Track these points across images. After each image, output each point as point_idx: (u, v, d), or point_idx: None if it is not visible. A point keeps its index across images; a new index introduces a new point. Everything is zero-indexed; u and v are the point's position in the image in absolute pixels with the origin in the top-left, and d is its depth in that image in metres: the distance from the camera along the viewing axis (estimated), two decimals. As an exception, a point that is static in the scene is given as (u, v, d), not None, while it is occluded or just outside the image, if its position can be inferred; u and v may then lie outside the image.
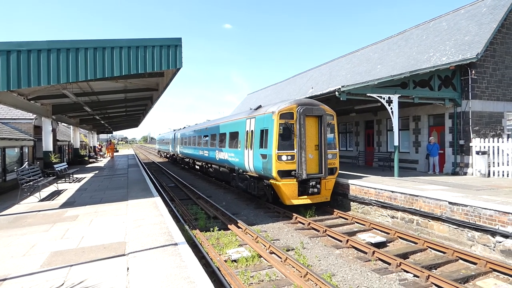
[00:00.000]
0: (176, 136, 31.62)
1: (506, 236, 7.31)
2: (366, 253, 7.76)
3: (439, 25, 18.89)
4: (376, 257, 7.47)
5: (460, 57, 14.48)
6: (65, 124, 29.61)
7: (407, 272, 6.68)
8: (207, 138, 19.80)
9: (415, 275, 6.49)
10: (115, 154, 46.25)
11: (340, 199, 12.64)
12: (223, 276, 6.24)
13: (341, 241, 8.66)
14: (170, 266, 4.63)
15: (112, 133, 62.18)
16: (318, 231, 9.58)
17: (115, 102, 19.26)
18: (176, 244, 5.63)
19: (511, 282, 6.29)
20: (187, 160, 27.60)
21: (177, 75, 10.72)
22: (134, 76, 11.44)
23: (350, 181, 12.19)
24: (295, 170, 10.92)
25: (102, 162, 28.98)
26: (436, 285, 6.06)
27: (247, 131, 13.09)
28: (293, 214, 11.02)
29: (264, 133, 11.63)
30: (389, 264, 7.07)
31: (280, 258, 7.32)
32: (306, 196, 11.19)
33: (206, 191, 16.72)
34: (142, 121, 36.86)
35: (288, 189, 10.93)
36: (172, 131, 36.49)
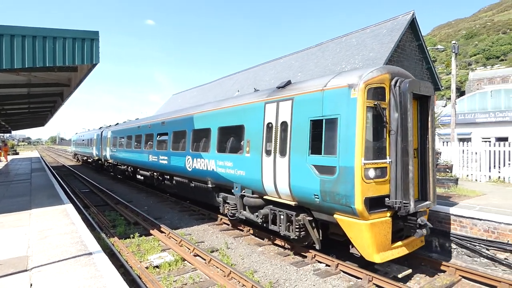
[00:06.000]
0: (105, 136, 24.78)
1: None
2: (286, 248, 8.30)
3: (350, 41, 21.20)
4: (295, 251, 8.06)
5: (366, 70, 16.44)
6: None
7: (320, 262, 7.37)
8: (165, 137, 13.89)
9: (327, 265, 7.21)
10: (16, 157, 40.47)
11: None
12: (144, 284, 6.01)
13: (263, 239, 9.07)
14: (83, 277, 4.30)
15: (10, 132, 53.64)
16: (243, 231, 9.86)
17: (15, 98, 16.71)
18: (90, 253, 5.23)
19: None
20: (123, 167, 20.78)
21: (94, 71, 9.91)
22: (40, 69, 10.18)
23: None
24: (388, 196, 6.27)
25: (-4, 167, 24.83)
26: (342, 271, 6.91)
27: (269, 123, 7.98)
28: (218, 215, 11.11)
29: (324, 127, 6.58)
30: (306, 257, 7.70)
31: (204, 260, 7.36)
32: (401, 243, 6.59)
33: (125, 196, 15.71)
34: (50, 120, 32.68)
35: (379, 232, 6.16)
36: (96, 130, 29.82)
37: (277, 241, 8.64)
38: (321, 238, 7.35)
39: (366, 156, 5.98)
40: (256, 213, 8.35)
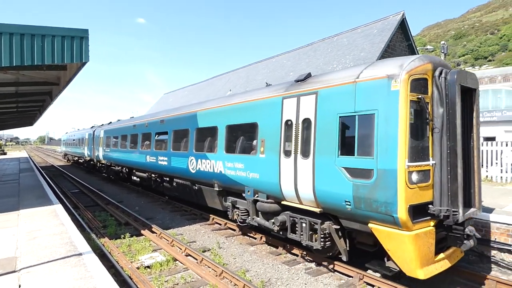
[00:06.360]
0: (98, 135, 23.46)
1: None
2: (278, 247, 8.34)
3: (341, 40, 21.35)
4: (286, 250, 8.10)
5: (357, 70, 16.60)
6: None
7: (312, 261, 7.43)
8: (164, 136, 12.96)
9: (318, 263, 7.27)
10: (3, 157, 39.76)
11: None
12: (135, 284, 5.98)
13: (255, 238, 9.10)
14: (73, 277, 4.26)
15: (-3, 132, 52.56)
16: (235, 230, 9.87)
17: (2, 96, 16.39)
18: (80, 254, 5.19)
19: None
20: (117, 168, 19.92)
21: (83, 69, 9.79)
22: (28, 67, 10.02)
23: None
24: (431, 202, 5.57)
25: (-17, 167, 24.34)
26: (333, 269, 6.96)
27: (288, 121, 7.16)
28: (210, 215, 11.10)
29: (357, 124, 5.83)
30: (297, 256, 7.75)
31: (196, 259, 7.35)
32: (443, 255, 5.86)
33: (116, 196, 15.56)
34: (38, 119, 32.14)
35: (423, 244, 5.43)
36: (88, 129, 28.71)
37: (269, 241, 8.67)
38: (348, 248, 6.63)
39: (409, 157, 5.22)
40: (272, 220, 7.51)
